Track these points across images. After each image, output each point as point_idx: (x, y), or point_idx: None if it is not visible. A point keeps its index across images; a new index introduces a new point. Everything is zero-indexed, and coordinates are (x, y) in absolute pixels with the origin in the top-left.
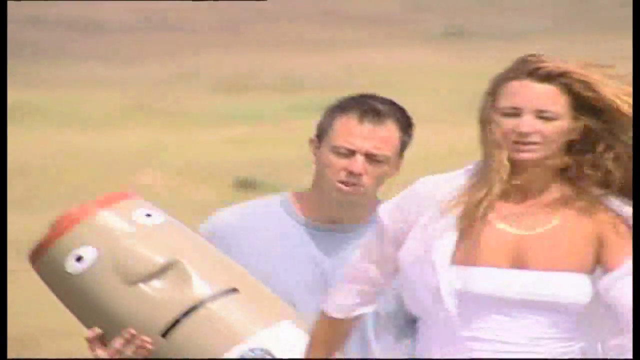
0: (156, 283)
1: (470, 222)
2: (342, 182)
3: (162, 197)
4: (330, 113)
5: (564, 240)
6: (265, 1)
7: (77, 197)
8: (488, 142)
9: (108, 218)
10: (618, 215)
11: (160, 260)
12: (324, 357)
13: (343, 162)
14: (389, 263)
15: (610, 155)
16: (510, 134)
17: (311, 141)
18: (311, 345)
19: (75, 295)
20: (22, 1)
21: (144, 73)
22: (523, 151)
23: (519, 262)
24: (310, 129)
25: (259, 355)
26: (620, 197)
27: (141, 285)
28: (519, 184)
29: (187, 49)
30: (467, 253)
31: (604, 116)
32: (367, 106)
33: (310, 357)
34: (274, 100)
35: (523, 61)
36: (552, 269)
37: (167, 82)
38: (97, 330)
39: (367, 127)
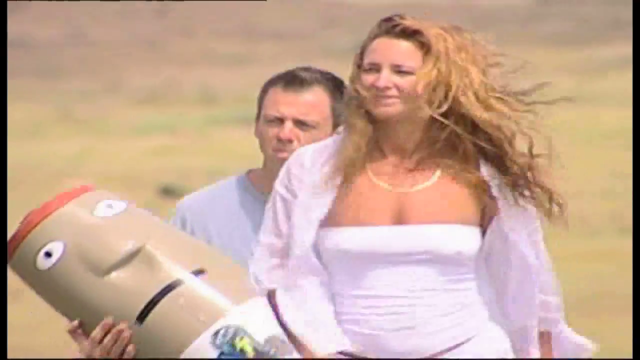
0: (124, 271)
1: (348, 182)
2: (275, 150)
3: None
4: (263, 89)
5: (442, 195)
6: (183, 17)
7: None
8: (349, 103)
9: (71, 212)
10: (487, 173)
11: (125, 248)
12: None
13: (274, 130)
14: (283, 231)
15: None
16: (371, 89)
17: (256, 123)
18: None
19: (49, 290)
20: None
21: (69, 86)
22: (382, 105)
23: (400, 219)
24: (227, 140)
25: (231, 334)
26: (487, 162)
27: (110, 275)
28: (393, 139)
29: (109, 63)
30: (352, 214)
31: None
32: (292, 75)
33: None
34: (193, 112)
35: (384, 20)
36: (431, 222)
37: (91, 94)
38: (75, 323)
39: (291, 94)
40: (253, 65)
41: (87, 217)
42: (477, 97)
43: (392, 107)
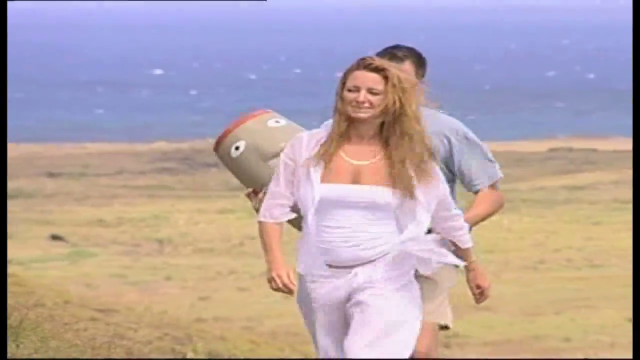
0: (278, 159)
1: (328, 157)
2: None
3: None
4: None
5: (381, 168)
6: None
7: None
8: (336, 110)
9: (252, 124)
10: (413, 158)
11: (281, 144)
12: (279, 252)
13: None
14: (289, 185)
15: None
16: (352, 101)
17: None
18: (266, 245)
19: (238, 170)
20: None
21: None
22: (359, 112)
23: (355, 180)
24: None
25: None
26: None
27: (270, 161)
28: (358, 133)
29: None
30: (327, 176)
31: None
32: (390, 54)
33: (271, 254)
34: None
35: (361, 59)
36: (373, 184)
37: None
38: (250, 190)
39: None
40: None
41: (261, 127)
42: (412, 115)
43: (365, 114)
